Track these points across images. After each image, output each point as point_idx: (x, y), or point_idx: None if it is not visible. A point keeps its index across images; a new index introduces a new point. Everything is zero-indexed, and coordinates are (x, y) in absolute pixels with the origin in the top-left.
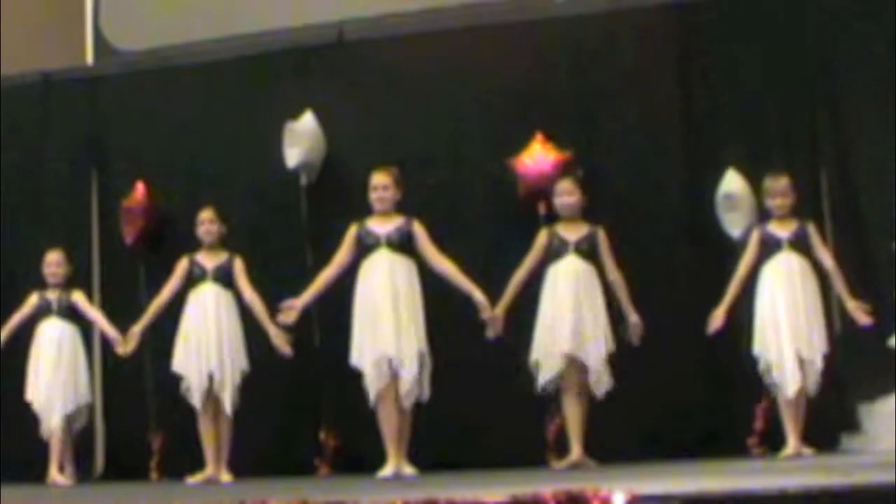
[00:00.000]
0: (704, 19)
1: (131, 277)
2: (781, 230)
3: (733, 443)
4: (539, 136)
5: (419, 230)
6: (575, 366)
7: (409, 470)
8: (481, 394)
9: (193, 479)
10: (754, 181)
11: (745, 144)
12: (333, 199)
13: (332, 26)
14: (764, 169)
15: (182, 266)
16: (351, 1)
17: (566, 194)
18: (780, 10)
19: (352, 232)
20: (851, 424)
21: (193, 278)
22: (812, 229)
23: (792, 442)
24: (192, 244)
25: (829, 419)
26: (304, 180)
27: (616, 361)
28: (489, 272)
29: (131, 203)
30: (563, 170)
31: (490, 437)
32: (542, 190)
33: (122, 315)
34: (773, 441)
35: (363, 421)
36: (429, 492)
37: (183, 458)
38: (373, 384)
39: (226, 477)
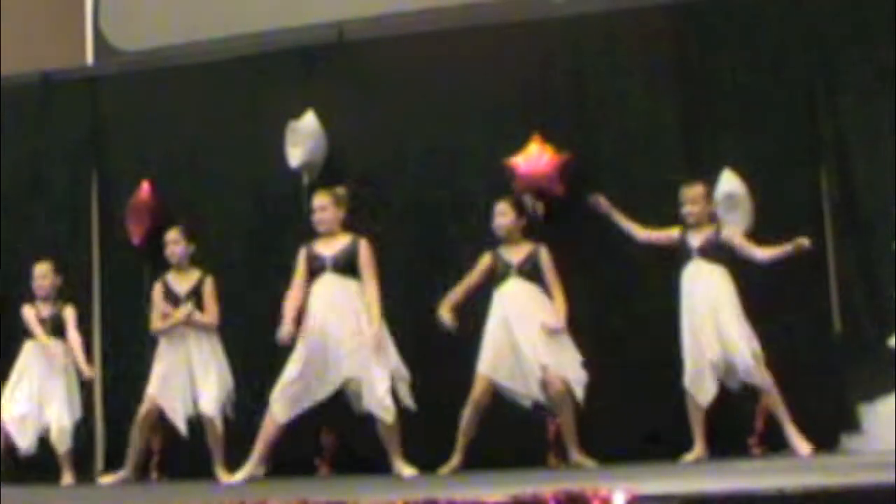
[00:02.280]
0: (704, 19)
1: (132, 278)
2: (694, 238)
3: (733, 443)
4: (537, 137)
5: (364, 250)
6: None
7: (408, 471)
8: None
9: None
10: (754, 181)
11: (745, 144)
12: None
13: (332, 26)
14: (764, 169)
15: (157, 291)
16: (351, 1)
17: (498, 215)
18: (781, 10)
19: (302, 255)
20: (851, 424)
21: (168, 299)
22: (728, 231)
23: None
24: (193, 243)
25: (829, 419)
26: (306, 180)
27: (616, 361)
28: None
29: (137, 202)
30: (562, 170)
31: (490, 437)
32: (541, 190)
33: (122, 315)
34: (773, 441)
35: (363, 421)
36: (429, 492)
37: (183, 459)
38: (297, 405)
39: (225, 477)
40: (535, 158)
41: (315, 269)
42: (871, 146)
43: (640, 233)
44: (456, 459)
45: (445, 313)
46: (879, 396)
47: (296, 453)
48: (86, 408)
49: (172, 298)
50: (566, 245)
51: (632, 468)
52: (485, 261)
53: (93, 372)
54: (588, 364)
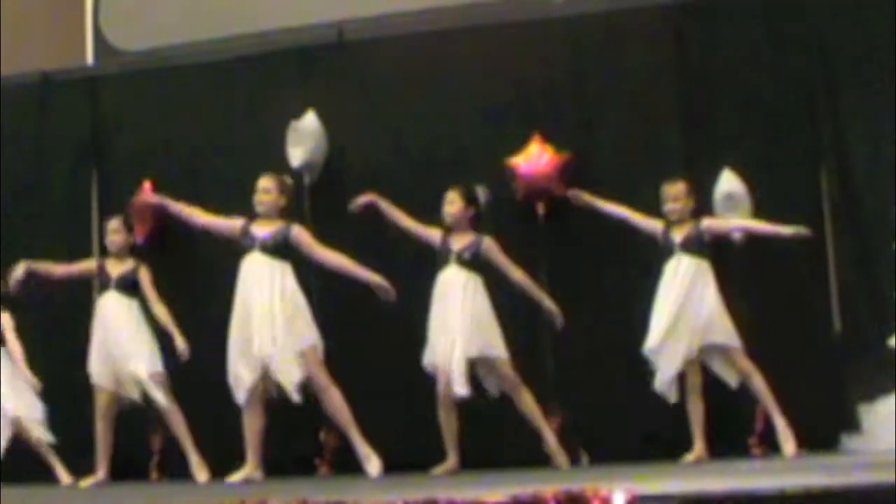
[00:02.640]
0: (705, 19)
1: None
2: (676, 234)
3: (733, 443)
4: (537, 137)
5: (299, 235)
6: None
7: (373, 466)
8: (481, 394)
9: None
10: (754, 181)
11: (745, 144)
12: (335, 198)
13: (332, 26)
14: (764, 169)
15: (91, 264)
16: (351, 1)
17: (447, 204)
18: (780, 10)
19: (238, 223)
20: (851, 424)
21: (100, 286)
22: (707, 221)
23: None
24: (193, 243)
25: (829, 419)
26: (307, 180)
27: (617, 361)
28: (491, 267)
29: (140, 202)
30: (562, 170)
31: (490, 437)
32: (541, 190)
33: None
34: (773, 441)
35: (363, 421)
36: (429, 492)
37: (183, 459)
38: (242, 387)
39: (202, 476)
40: (535, 158)
41: (245, 246)
42: (871, 146)
43: (632, 217)
44: (451, 459)
45: (360, 201)
46: (879, 396)
47: (296, 453)
48: (85, 407)
49: (104, 280)
50: (566, 245)
51: (632, 468)
52: (434, 232)
53: (36, 381)
54: (589, 364)
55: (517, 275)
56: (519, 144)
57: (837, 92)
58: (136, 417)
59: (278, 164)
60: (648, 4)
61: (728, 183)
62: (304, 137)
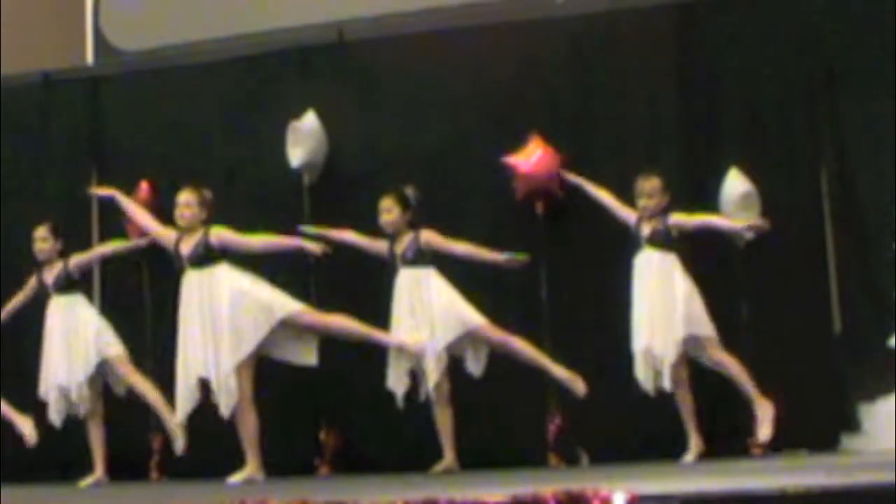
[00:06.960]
0: (704, 19)
1: (132, 277)
2: (645, 228)
3: (733, 443)
4: (537, 136)
5: (219, 236)
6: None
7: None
8: (481, 394)
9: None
10: (754, 181)
11: (745, 144)
12: (334, 199)
13: (332, 26)
14: (764, 169)
15: (33, 281)
16: (351, 1)
17: (383, 212)
18: (780, 10)
19: (172, 236)
20: (851, 424)
21: (39, 295)
22: (674, 218)
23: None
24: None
25: (829, 419)
26: (306, 180)
27: (617, 361)
28: (488, 270)
29: (138, 202)
30: (562, 170)
31: (490, 437)
32: (541, 190)
33: (122, 315)
34: (773, 441)
35: (363, 421)
36: (429, 492)
37: (183, 458)
38: (182, 403)
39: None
40: (534, 158)
41: (179, 268)
42: (871, 146)
43: (612, 203)
44: (448, 457)
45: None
46: (879, 396)
47: (296, 453)
48: None
49: (43, 287)
50: (566, 245)
51: (632, 468)
52: (381, 244)
53: None
54: (589, 364)
55: (461, 249)
56: (519, 144)
57: (837, 91)
58: (135, 417)
59: (279, 164)
60: (648, 4)
61: (742, 184)
62: (304, 137)
